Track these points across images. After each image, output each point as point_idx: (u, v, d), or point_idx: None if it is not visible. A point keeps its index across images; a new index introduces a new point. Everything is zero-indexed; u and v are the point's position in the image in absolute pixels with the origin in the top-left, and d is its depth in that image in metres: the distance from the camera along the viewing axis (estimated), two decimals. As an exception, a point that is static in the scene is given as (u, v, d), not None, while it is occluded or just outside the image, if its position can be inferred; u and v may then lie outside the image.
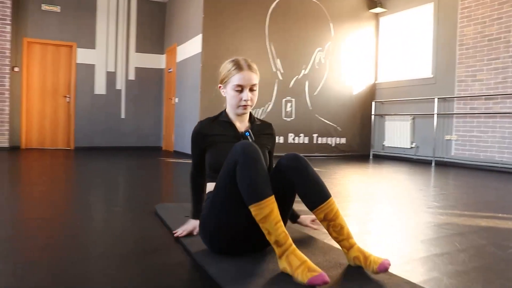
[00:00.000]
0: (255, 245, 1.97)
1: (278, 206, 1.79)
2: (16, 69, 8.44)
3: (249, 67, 2.13)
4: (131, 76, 9.39)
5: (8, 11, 8.03)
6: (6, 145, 8.14)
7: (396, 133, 8.12)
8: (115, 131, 9.26)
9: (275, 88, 8.09)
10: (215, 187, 1.93)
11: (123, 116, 9.34)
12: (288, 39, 8.13)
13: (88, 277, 1.72)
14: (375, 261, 1.72)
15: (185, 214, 2.52)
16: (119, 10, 9.24)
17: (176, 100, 8.76)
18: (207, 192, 2.09)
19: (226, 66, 2.18)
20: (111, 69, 9.21)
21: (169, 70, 9.28)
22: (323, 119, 8.47)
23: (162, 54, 9.68)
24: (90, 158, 7.09)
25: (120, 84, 9.30)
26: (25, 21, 8.53)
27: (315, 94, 8.40)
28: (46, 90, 8.79)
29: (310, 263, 1.63)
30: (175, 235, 2.27)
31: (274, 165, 2.08)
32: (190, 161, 2.27)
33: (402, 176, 5.62)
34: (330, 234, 1.86)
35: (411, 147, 7.84)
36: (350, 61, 8.68)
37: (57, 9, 8.69)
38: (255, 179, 1.74)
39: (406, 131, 7.91)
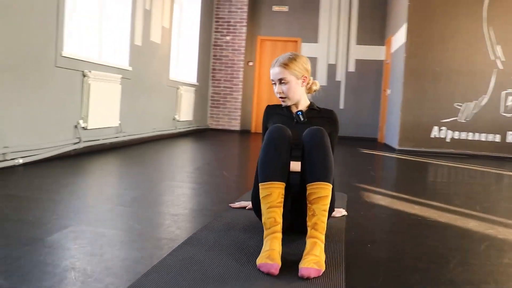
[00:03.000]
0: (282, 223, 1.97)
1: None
2: (250, 63, 9.77)
3: (279, 63, 2.21)
4: (351, 68, 9.65)
5: (245, 15, 9.36)
6: (237, 128, 9.56)
7: None
8: (333, 121, 9.69)
9: (493, 79, 7.13)
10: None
11: (342, 106, 9.71)
12: (512, 22, 7.05)
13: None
14: (305, 261, 1.64)
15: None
16: (341, 6, 9.61)
17: (389, 91, 8.64)
18: None
19: None
20: (332, 61, 9.68)
21: (387, 62, 9.17)
22: (558, 116, 7.04)
23: (382, 45, 9.60)
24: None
25: (340, 76, 9.69)
26: (259, 21, 9.78)
27: (548, 85, 7.05)
28: (273, 82, 9.88)
29: (275, 253, 1.67)
30: (229, 204, 2.70)
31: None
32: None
33: None
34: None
35: None
36: None
37: (285, 9, 9.64)
38: (266, 161, 1.86)
39: None
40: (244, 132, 9.65)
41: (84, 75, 4.78)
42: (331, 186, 1.84)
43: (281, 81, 2.21)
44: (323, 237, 1.76)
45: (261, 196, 1.84)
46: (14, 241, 1.89)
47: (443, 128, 7.27)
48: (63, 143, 4.43)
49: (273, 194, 1.80)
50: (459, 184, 4.37)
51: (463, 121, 7.22)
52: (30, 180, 3.27)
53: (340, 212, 2.58)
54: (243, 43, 9.43)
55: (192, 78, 8.60)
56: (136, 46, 6.01)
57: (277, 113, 2.34)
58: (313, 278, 1.60)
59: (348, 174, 4.63)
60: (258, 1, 9.79)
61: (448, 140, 7.26)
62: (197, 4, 8.52)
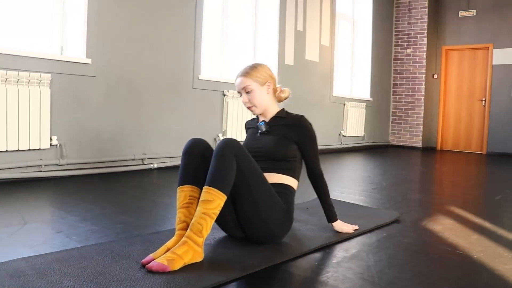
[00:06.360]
0: (227, 230, 2.17)
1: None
2: (435, 76, 9.20)
3: (240, 73, 2.27)
4: (558, 74, 8.17)
5: (425, 25, 8.93)
6: (419, 145, 9.09)
7: None
8: (536, 136, 8.35)
9: None
10: None
11: (546, 119, 8.28)
12: None
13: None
14: (162, 256, 1.75)
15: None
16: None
17: None
18: None
19: None
20: (532, 67, 8.38)
21: None
22: None
23: None
24: (501, 165, 6.65)
25: (543, 84, 8.29)
26: (443, 30, 9.15)
27: None
28: (462, 94, 9.07)
29: (162, 248, 1.83)
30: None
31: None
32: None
33: None
34: None
35: None
36: None
37: (472, 13, 8.80)
38: (180, 168, 2.06)
39: None
40: (428, 149, 9.10)
41: (224, 95, 5.49)
42: (220, 193, 1.84)
43: (245, 90, 2.24)
44: (198, 239, 1.80)
45: None
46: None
47: None
48: (200, 152, 5.18)
49: (180, 196, 1.99)
50: None
51: None
52: (157, 182, 4.04)
53: (340, 228, 2.35)
54: (424, 55, 8.98)
55: (364, 93, 8.61)
56: (286, 66, 6.49)
57: (250, 127, 2.43)
58: (163, 273, 1.66)
59: (453, 195, 3.87)
60: (441, 9, 9.17)
61: None
62: (368, 20, 8.55)
